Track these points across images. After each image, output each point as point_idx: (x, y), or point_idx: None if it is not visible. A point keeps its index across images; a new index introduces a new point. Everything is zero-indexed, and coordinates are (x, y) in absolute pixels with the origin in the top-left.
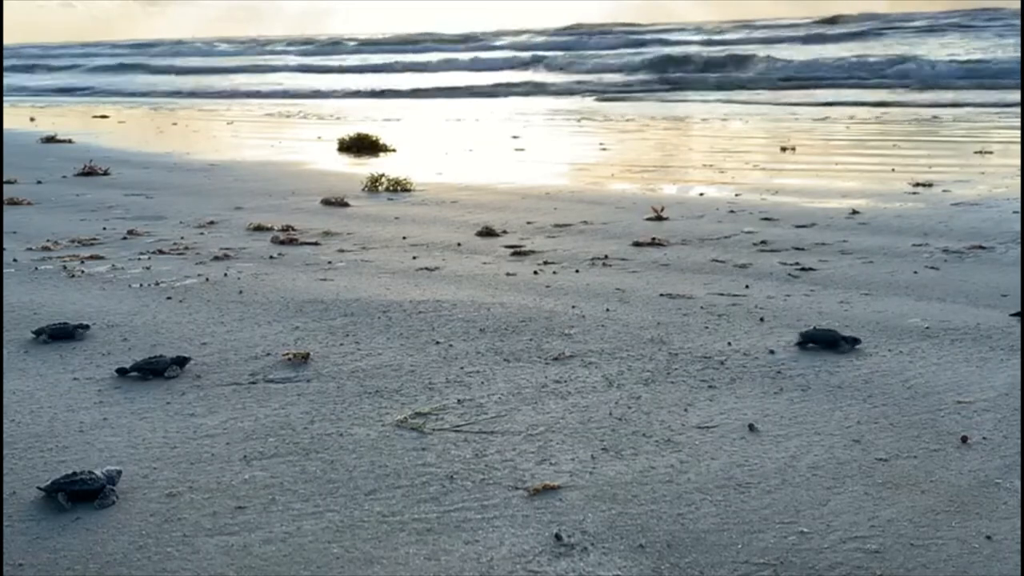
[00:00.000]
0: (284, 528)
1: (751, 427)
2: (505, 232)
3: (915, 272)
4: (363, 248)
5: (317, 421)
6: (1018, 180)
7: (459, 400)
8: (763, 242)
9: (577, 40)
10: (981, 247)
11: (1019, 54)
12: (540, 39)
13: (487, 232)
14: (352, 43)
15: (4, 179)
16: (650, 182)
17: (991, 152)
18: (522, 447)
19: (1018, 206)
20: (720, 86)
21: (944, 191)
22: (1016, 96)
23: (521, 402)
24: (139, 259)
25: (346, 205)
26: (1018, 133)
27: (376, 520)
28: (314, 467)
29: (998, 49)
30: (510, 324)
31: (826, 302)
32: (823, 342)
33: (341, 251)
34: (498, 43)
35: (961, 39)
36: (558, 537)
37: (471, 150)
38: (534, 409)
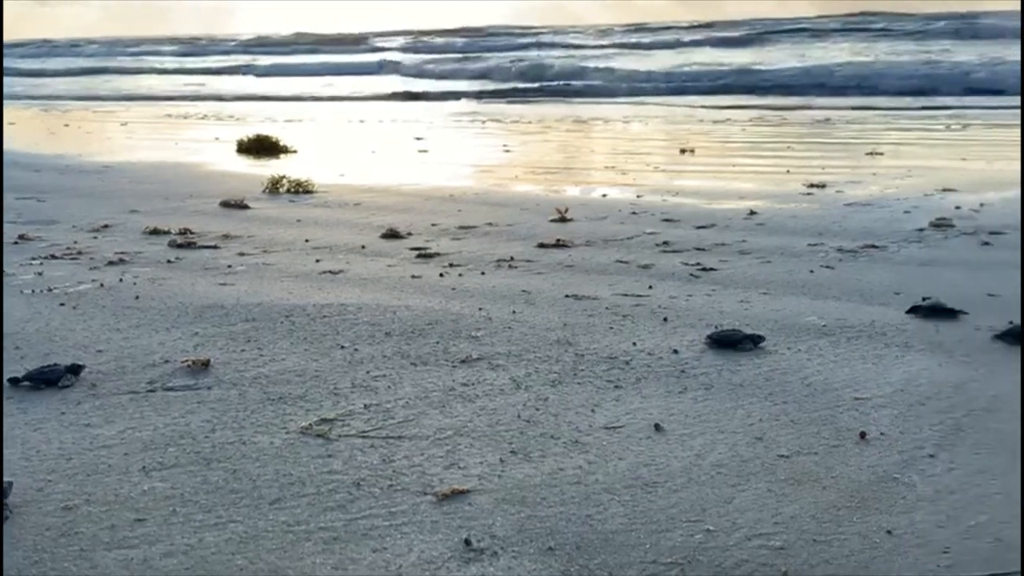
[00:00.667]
0: (186, 540)
1: (657, 426)
2: (410, 234)
3: (811, 271)
4: (264, 251)
5: (219, 429)
6: (908, 180)
7: (365, 405)
8: (665, 243)
9: (447, 43)
10: (874, 246)
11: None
12: (419, 40)
13: (392, 234)
14: (242, 43)
15: None
16: (553, 184)
17: (882, 153)
18: (430, 451)
19: (908, 206)
20: (557, 93)
21: (837, 192)
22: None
23: (428, 406)
24: (31, 264)
25: (246, 207)
26: (907, 135)
27: (281, 530)
28: (216, 477)
29: (871, 53)
30: (416, 327)
31: (727, 301)
32: (728, 342)
33: (241, 254)
34: (381, 44)
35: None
36: (467, 542)
37: (374, 152)
38: (442, 413)
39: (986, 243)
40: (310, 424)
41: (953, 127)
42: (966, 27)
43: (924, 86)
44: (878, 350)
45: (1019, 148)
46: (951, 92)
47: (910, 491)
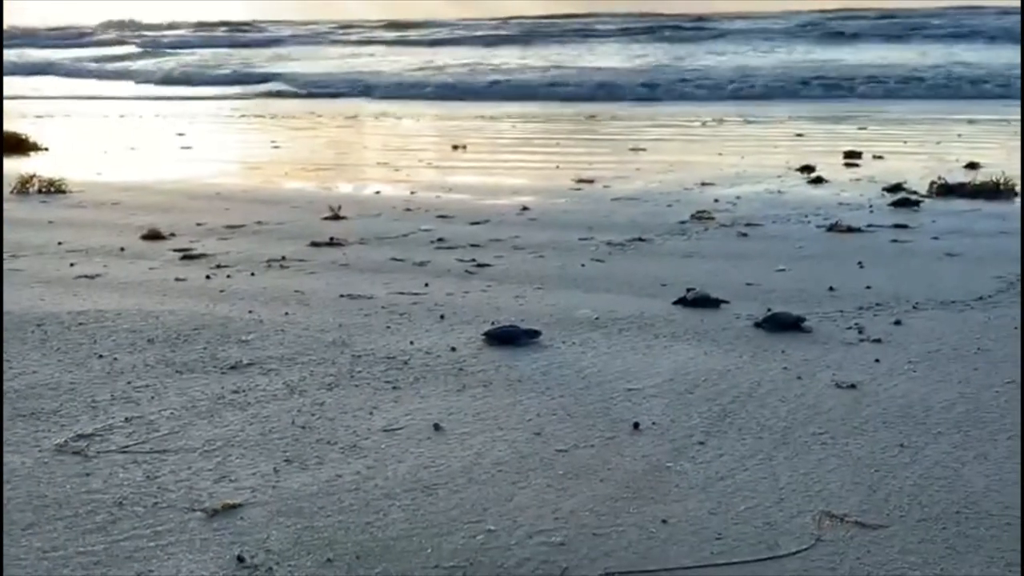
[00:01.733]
0: None
1: (436, 427)
2: (173, 235)
3: (583, 265)
4: (13, 256)
5: None
6: (670, 175)
7: (127, 418)
8: (440, 239)
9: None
10: (641, 239)
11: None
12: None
13: (153, 235)
14: None
15: None
16: (325, 180)
17: (644, 149)
18: (199, 465)
19: (671, 200)
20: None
21: (604, 187)
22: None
23: (196, 416)
24: None
25: None
26: (665, 131)
27: (36, 557)
28: None
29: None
30: (181, 333)
31: (502, 297)
32: (505, 338)
33: None
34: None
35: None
36: (240, 559)
37: (134, 148)
38: (210, 423)
39: (743, 234)
40: (66, 441)
41: (709, 123)
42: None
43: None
44: (648, 341)
45: (775, 145)
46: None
47: (682, 479)
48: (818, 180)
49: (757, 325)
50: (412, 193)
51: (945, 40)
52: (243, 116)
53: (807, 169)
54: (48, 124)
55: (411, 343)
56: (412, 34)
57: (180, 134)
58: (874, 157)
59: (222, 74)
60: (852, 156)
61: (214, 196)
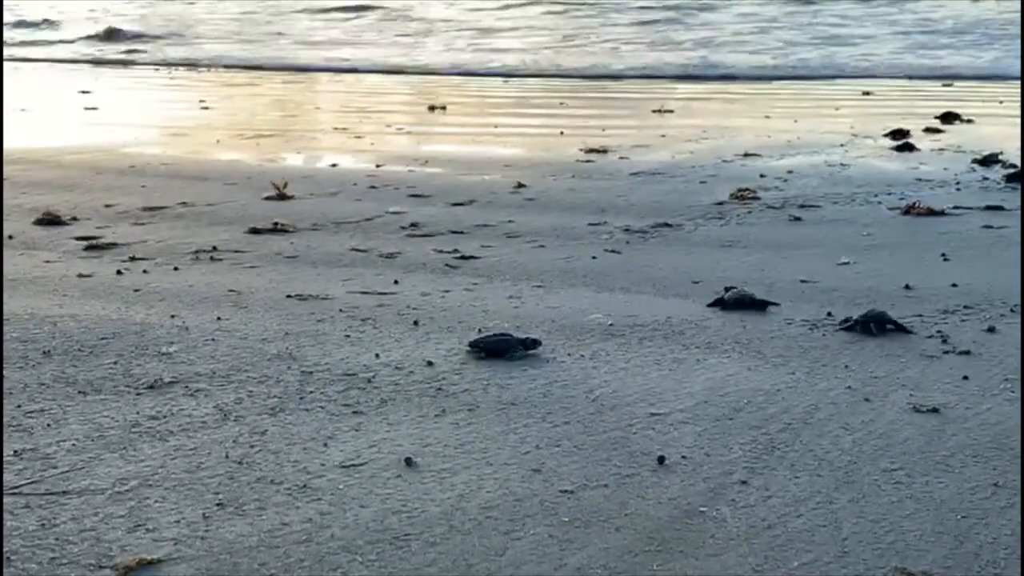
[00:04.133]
0: None
1: (408, 461)
2: (75, 219)
3: (594, 257)
4: None
5: None
6: (703, 144)
7: (16, 451)
8: (413, 225)
9: None
10: (667, 224)
11: None
12: None
13: (50, 219)
14: None
15: None
16: (268, 151)
17: (671, 111)
18: (108, 510)
19: (705, 175)
20: None
21: (621, 158)
22: None
23: (104, 449)
24: None
25: None
26: (697, 87)
27: None
28: None
29: None
30: (86, 344)
31: (492, 298)
32: (496, 349)
33: None
34: None
35: None
36: None
37: (24, 110)
38: (123, 458)
39: (796, 218)
40: None
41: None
42: None
43: None
44: (676, 353)
45: (834, 105)
46: None
47: (720, 528)
48: (906, 147)
49: (847, 328)
50: (378, 166)
51: None
52: (157, 69)
53: (896, 134)
54: None
55: (376, 356)
56: None
57: (84, 91)
58: (962, 121)
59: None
60: (941, 119)
61: (127, 170)
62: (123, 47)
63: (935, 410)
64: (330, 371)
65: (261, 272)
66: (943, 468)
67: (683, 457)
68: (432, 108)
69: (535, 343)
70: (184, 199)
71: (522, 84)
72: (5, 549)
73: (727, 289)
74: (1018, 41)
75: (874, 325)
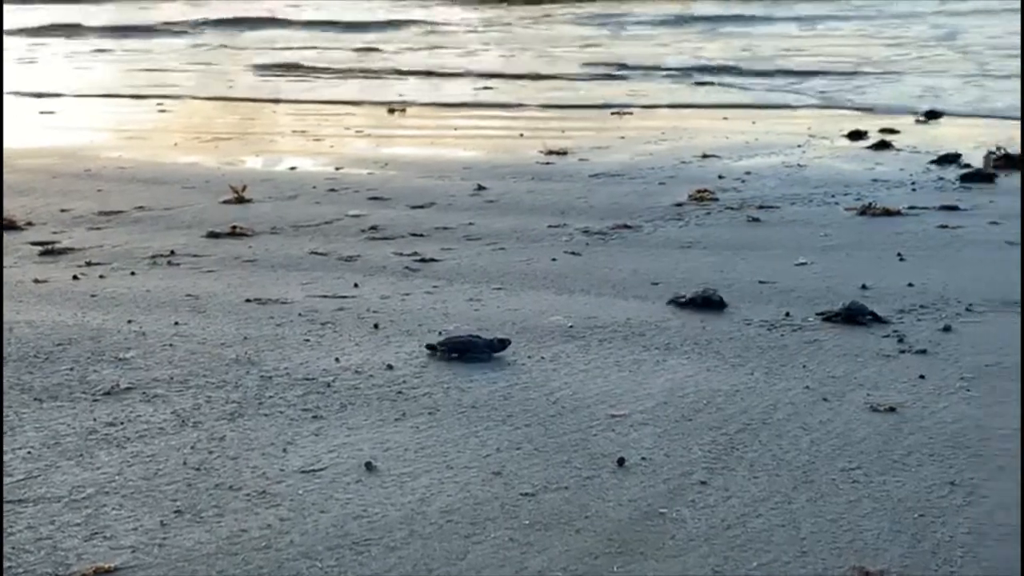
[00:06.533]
0: None
1: (369, 465)
2: (31, 224)
3: (554, 259)
4: None
5: None
6: (662, 145)
7: None
8: (373, 228)
9: None
10: (626, 226)
11: None
12: None
13: (5, 225)
14: None
15: None
16: (226, 153)
17: (630, 113)
18: (64, 518)
19: (663, 176)
20: None
21: (581, 160)
22: None
23: (60, 456)
24: None
25: None
26: (654, 86)
27: None
28: None
29: None
30: (42, 350)
31: (452, 300)
32: (456, 351)
33: None
34: None
35: None
36: None
37: None
38: (79, 465)
39: (754, 219)
40: None
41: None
42: None
43: None
44: (636, 354)
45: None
46: None
47: (680, 529)
48: (864, 147)
49: (827, 319)
50: (337, 169)
51: None
52: (110, 62)
53: (854, 135)
54: None
55: (336, 360)
56: None
57: (40, 94)
58: (917, 121)
59: None
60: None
61: (83, 174)
62: None
63: (892, 409)
64: (289, 375)
65: (219, 276)
66: (900, 467)
67: (643, 458)
68: (392, 110)
69: (499, 345)
70: (141, 203)
71: (481, 85)
72: None
73: (686, 290)
74: None
75: (859, 316)
